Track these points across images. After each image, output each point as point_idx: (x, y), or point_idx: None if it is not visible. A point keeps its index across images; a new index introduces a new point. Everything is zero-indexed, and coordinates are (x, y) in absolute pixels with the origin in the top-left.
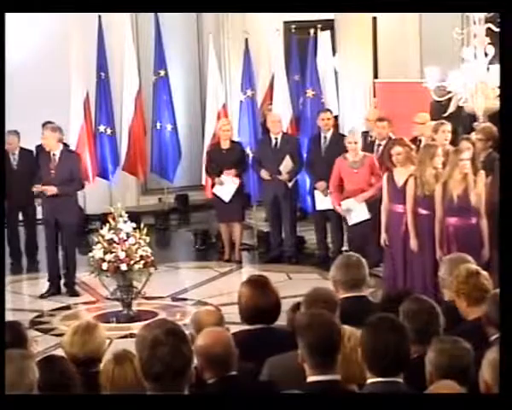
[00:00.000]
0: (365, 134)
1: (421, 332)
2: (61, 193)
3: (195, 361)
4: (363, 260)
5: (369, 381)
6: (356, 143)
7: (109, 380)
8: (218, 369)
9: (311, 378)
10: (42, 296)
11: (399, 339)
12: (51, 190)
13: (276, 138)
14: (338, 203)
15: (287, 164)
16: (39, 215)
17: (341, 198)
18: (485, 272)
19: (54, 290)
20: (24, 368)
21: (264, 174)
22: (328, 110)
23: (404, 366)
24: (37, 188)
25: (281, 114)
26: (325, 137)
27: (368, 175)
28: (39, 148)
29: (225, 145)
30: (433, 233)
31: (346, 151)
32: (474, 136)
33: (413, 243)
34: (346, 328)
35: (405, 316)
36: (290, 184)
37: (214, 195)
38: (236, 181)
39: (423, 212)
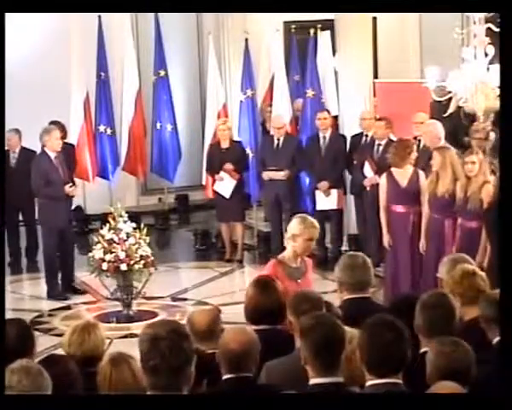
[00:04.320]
0: (360, 135)
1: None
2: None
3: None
4: (369, 260)
5: (368, 383)
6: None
7: (107, 383)
8: (232, 367)
9: (313, 381)
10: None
11: (397, 339)
12: (74, 190)
13: (279, 139)
14: None
15: None
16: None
17: None
18: (482, 273)
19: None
20: (43, 384)
21: (265, 175)
22: (326, 110)
23: (403, 366)
24: (69, 190)
25: (284, 117)
26: (324, 137)
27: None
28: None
29: (225, 145)
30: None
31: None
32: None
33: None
34: (348, 330)
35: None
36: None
37: (215, 192)
38: (235, 176)
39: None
